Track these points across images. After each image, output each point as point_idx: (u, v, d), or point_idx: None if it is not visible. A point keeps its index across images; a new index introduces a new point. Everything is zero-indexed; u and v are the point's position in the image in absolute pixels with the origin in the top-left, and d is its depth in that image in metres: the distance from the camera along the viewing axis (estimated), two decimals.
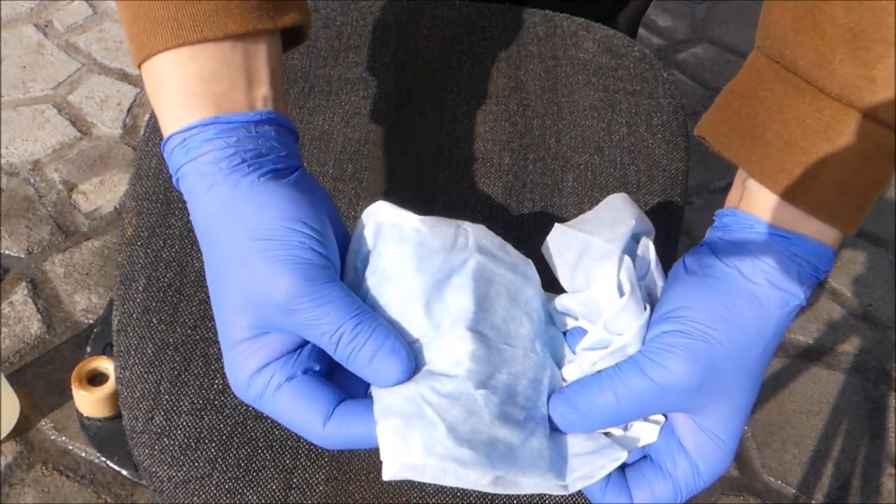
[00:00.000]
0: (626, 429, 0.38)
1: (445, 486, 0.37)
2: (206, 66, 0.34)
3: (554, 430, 0.37)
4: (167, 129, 0.34)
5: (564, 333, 0.40)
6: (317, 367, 0.34)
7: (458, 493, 0.43)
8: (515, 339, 0.37)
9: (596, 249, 0.38)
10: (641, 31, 1.27)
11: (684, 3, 1.80)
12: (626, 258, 0.37)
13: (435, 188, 0.53)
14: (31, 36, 1.49)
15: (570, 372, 0.38)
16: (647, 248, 0.39)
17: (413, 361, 0.33)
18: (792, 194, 0.37)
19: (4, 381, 0.97)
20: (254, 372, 0.33)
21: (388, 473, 0.30)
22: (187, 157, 0.33)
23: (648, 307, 0.37)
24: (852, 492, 1.07)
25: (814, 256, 0.37)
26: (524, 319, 0.37)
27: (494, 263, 0.37)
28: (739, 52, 1.68)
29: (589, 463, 0.36)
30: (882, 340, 1.23)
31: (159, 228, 0.48)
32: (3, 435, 0.98)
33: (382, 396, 0.32)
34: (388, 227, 0.36)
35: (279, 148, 0.35)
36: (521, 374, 0.36)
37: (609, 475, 0.37)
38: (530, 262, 0.39)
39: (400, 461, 0.30)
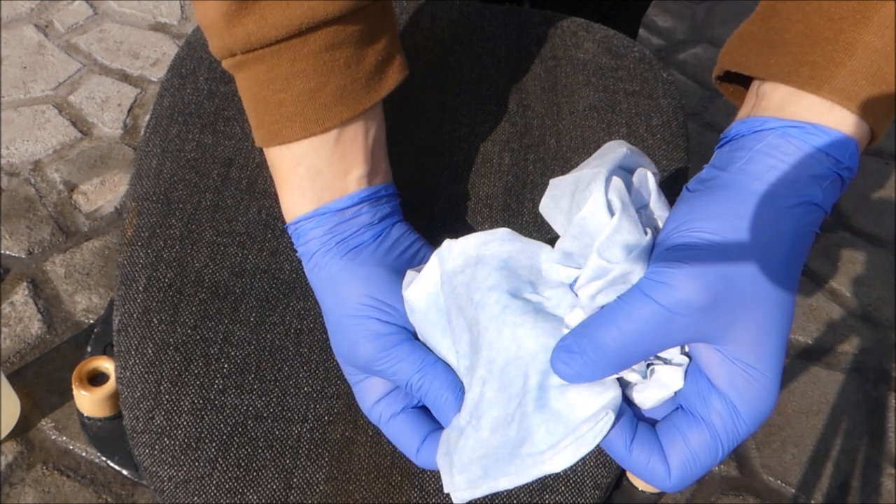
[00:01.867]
0: (646, 376, 0.35)
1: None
2: (313, 166, 0.40)
3: (564, 391, 0.34)
4: (287, 218, 0.42)
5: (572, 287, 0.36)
6: (416, 402, 0.40)
7: None
8: (479, 336, 0.36)
9: (584, 179, 0.34)
10: (641, 31, 1.28)
11: (684, 3, 1.81)
12: (616, 178, 0.34)
13: (435, 188, 0.53)
14: (32, 36, 1.49)
15: (574, 318, 0.34)
16: (646, 178, 0.35)
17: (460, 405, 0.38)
18: (815, 84, 0.33)
19: (5, 381, 0.97)
20: (371, 405, 0.41)
21: (454, 499, 0.36)
22: (299, 242, 0.42)
23: (651, 231, 0.34)
24: (852, 492, 1.07)
25: (834, 149, 0.33)
26: (477, 311, 0.36)
27: (449, 282, 0.37)
28: None
29: (577, 432, 0.32)
30: (882, 340, 1.23)
31: (160, 229, 0.48)
32: (4, 435, 0.98)
33: (442, 434, 0.39)
34: (405, 304, 0.40)
35: (370, 220, 0.41)
36: (493, 371, 0.35)
37: (635, 431, 0.33)
38: (490, 235, 0.37)
39: (448, 486, 0.36)
